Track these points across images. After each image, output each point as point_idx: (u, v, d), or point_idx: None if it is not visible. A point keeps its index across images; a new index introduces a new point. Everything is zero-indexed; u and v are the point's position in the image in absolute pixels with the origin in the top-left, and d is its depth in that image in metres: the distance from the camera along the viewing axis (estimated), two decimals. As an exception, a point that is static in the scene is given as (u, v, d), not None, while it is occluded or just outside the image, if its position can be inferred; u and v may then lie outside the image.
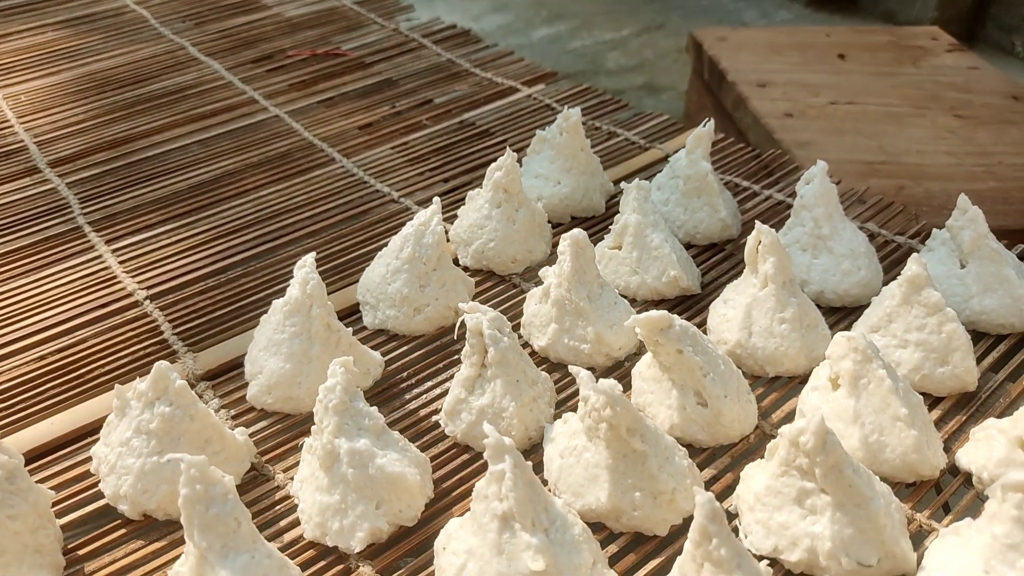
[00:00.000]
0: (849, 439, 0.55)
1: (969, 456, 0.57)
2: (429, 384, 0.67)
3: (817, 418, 0.47)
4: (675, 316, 0.57)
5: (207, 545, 0.46)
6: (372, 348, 0.70)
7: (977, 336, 0.69)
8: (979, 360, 0.66)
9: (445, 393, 0.65)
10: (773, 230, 0.64)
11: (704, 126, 0.79)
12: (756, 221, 0.65)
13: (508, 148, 0.77)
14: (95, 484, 0.59)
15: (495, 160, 0.78)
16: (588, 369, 0.67)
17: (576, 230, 0.66)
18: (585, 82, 1.14)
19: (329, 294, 0.76)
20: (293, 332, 0.63)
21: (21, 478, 0.52)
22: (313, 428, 0.54)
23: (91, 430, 0.64)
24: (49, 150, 1.02)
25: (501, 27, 2.47)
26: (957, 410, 0.63)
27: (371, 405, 0.56)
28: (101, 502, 0.58)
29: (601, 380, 0.52)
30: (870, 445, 0.55)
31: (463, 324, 0.60)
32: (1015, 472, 0.45)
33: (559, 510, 0.50)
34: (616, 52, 2.28)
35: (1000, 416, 0.61)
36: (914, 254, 0.62)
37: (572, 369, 0.54)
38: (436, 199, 0.72)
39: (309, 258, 0.64)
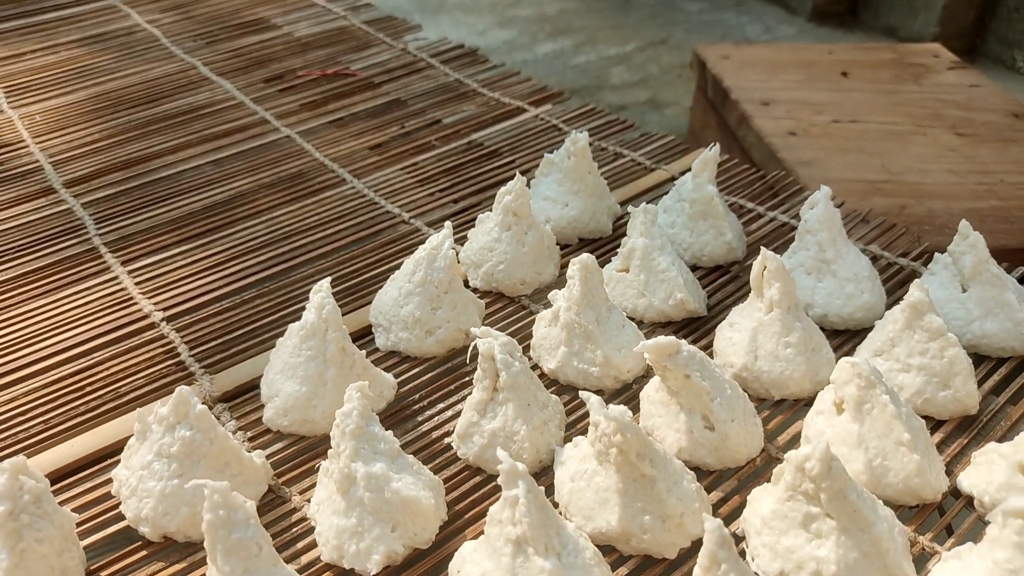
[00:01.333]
0: (853, 463, 0.57)
1: (970, 480, 0.58)
2: (441, 406, 0.69)
3: (822, 445, 0.48)
4: (683, 342, 0.59)
5: (230, 569, 0.47)
6: (385, 370, 0.71)
7: (978, 359, 0.70)
8: (980, 383, 0.67)
9: (457, 415, 0.66)
10: (779, 256, 0.65)
11: (710, 150, 0.81)
12: (762, 247, 0.66)
13: (518, 173, 0.79)
14: (116, 506, 0.60)
15: (504, 181, 0.79)
16: (597, 391, 0.68)
17: (585, 255, 0.67)
18: (589, 97, 1.17)
19: (344, 315, 0.78)
20: (309, 356, 0.64)
21: (47, 502, 0.53)
22: (330, 452, 0.56)
23: (110, 452, 0.65)
24: (64, 170, 1.04)
25: (506, 42, 2.49)
26: (959, 433, 0.64)
27: (385, 427, 0.58)
28: (122, 524, 0.59)
29: (611, 406, 0.53)
30: (874, 469, 0.56)
31: (475, 348, 0.61)
32: (1016, 499, 0.47)
33: (571, 534, 0.51)
34: (620, 67, 2.30)
35: (1001, 439, 0.62)
36: (916, 280, 0.64)
37: (583, 395, 0.55)
38: (448, 223, 0.74)
39: (325, 283, 0.66)
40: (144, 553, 0.58)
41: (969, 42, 2.42)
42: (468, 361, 0.71)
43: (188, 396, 0.57)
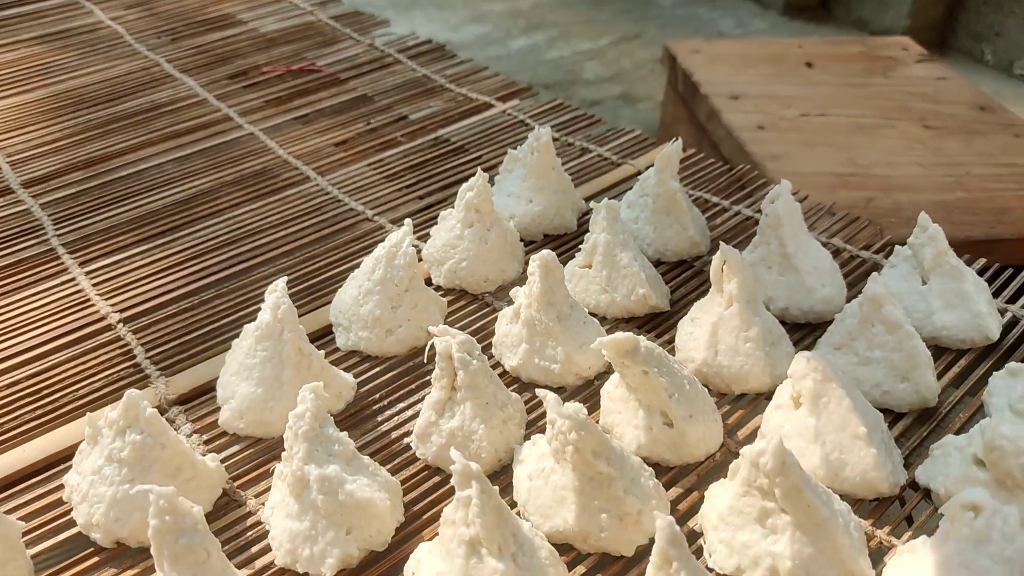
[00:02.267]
0: (810, 457, 0.56)
1: (928, 473, 0.58)
2: (401, 406, 0.68)
3: (775, 440, 0.48)
4: (641, 338, 0.58)
5: (177, 575, 0.47)
6: (345, 370, 0.70)
7: (939, 351, 0.70)
8: (940, 376, 0.68)
9: (417, 415, 0.65)
10: (737, 250, 0.65)
11: (673, 144, 0.81)
12: (721, 242, 0.66)
13: (479, 169, 0.78)
14: (67, 512, 0.59)
15: (469, 177, 0.79)
16: (558, 388, 0.68)
17: (545, 251, 0.67)
18: (562, 92, 1.16)
19: (303, 314, 0.77)
20: (264, 357, 0.63)
21: (-9, 510, 0.52)
22: (283, 454, 0.55)
23: (64, 457, 0.64)
24: (22, 170, 1.02)
25: (479, 37, 2.48)
26: (918, 425, 0.64)
27: (343, 427, 0.57)
28: (73, 530, 0.58)
29: (567, 404, 0.53)
30: (831, 463, 0.56)
31: (433, 347, 0.61)
32: (968, 491, 0.47)
33: (526, 534, 0.51)
34: (593, 62, 2.30)
35: (959, 431, 0.62)
36: (874, 274, 0.64)
37: (539, 392, 0.55)
38: (408, 220, 0.73)
39: (280, 283, 0.65)
40: (96, 560, 0.57)
41: (939, 35, 2.44)
42: (426, 360, 0.70)
43: (138, 400, 0.56)
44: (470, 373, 0.59)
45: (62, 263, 0.87)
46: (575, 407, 0.52)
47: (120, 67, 1.27)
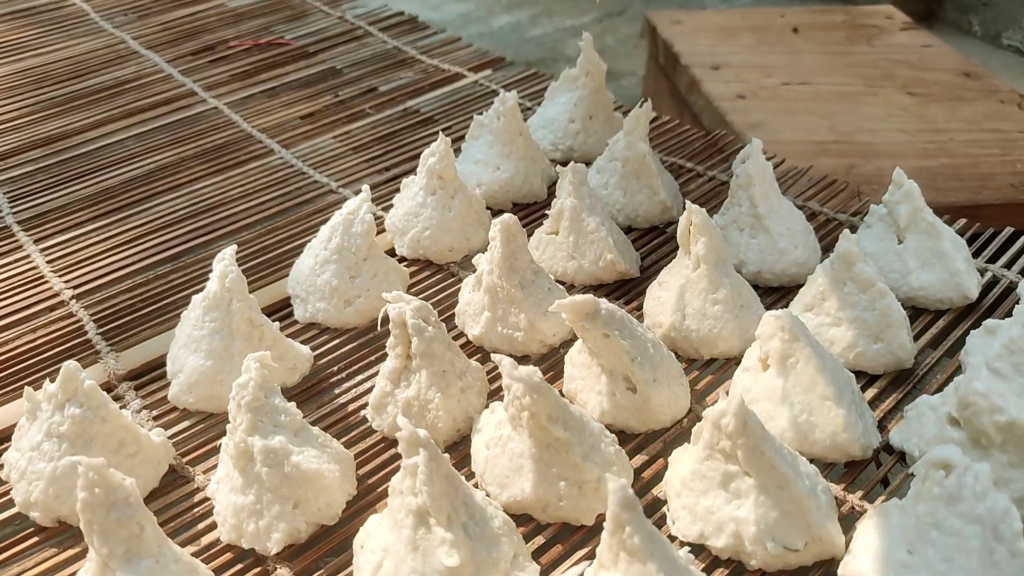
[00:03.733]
0: (779, 420, 0.54)
1: (902, 434, 0.56)
2: (360, 378, 0.66)
3: (737, 399, 0.46)
4: (602, 300, 0.56)
5: (108, 551, 0.44)
6: (303, 343, 0.68)
7: (916, 312, 0.68)
8: (917, 336, 0.65)
9: (374, 387, 0.63)
10: (703, 210, 0.62)
11: (641, 106, 0.78)
12: (687, 201, 0.63)
13: (441, 134, 0.75)
14: (7, 492, 0.57)
15: (431, 145, 0.76)
16: (522, 357, 0.66)
17: (506, 215, 0.64)
18: (545, 70, 1.13)
19: (262, 288, 0.74)
20: (213, 328, 0.61)
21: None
22: (228, 426, 0.53)
23: (6, 436, 0.62)
24: (-22, 149, 0.99)
25: (461, 15, 2.44)
26: (894, 388, 0.62)
27: (300, 401, 0.55)
28: (12, 511, 0.56)
29: (521, 367, 0.50)
30: (799, 425, 0.54)
31: (387, 315, 0.58)
32: (938, 449, 0.44)
33: (479, 503, 0.48)
34: (576, 39, 2.26)
35: (935, 393, 0.60)
36: (845, 231, 0.61)
37: (495, 357, 0.52)
38: (365, 187, 0.70)
39: (228, 251, 0.62)
40: (36, 540, 0.54)
41: (926, 6, 2.41)
42: (379, 328, 0.68)
43: (76, 372, 0.54)
44: (425, 340, 0.57)
45: (16, 240, 0.84)
46: (529, 370, 0.50)
47: (85, 44, 1.23)
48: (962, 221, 0.77)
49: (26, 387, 0.56)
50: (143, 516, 0.45)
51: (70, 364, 0.54)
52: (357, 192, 0.87)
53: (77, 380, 0.54)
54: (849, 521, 0.52)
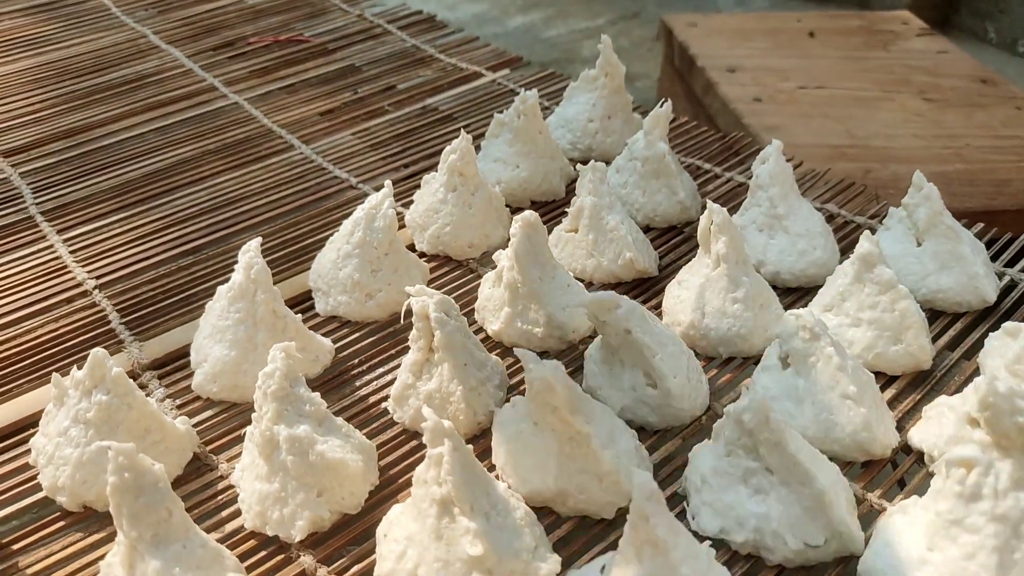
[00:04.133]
0: (799, 418, 0.55)
1: (921, 434, 0.56)
2: (381, 371, 0.66)
3: (759, 395, 0.46)
4: (623, 297, 0.56)
5: (137, 535, 0.45)
6: (325, 335, 0.68)
7: (934, 315, 0.68)
8: (935, 339, 0.66)
9: (395, 380, 0.63)
10: (724, 209, 0.63)
11: (661, 106, 0.78)
12: (707, 201, 0.64)
13: (463, 131, 0.76)
14: (34, 476, 0.57)
15: (453, 142, 0.77)
16: (542, 353, 0.66)
17: (527, 212, 0.65)
18: (560, 71, 1.13)
19: (283, 281, 0.75)
20: (238, 318, 0.62)
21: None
22: (253, 415, 0.53)
23: (33, 422, 0.62)
24: (2, 139, 1.00)
25: (476, 16, 2.45)
26: (912, 389, 0.62)
27: (321, 393, 0.55)
28: (39, 495, 0.57)
29: (544, 362, 0.51)
30: (820, 424, 0.54)
31: (410, 308, 0.59)
32: (959, 448, 0.45)
33: (501, 494, 0.49)
34: (591, 41, 2.27)
35: (954, 394, 0.60)
36: (866, 232, 0.62)
37: (517, 351, 0.53)
38: (388, 183, 0.71)
39: (254, 243, 0.63)
40: (62, 524, 0.55)
41: (941, 13, 2.40)
42: (403, 321, 0.68)
43: (104, 359, 0.54)
44: (447, 333, 0.57)
45: (40, 231, 0.85)
46: (552, 364, 0.50)
47: (106, 38, 1.24)
48: (980, 225, 0.77)
49: (54, 373, 0.57)
50: (171, 501, 0.46)
51: (98, 351, 0.55)
52: (377, 188, 0.89)
53: (105, 367, 0.54)
54: (868, 519, 0.52)
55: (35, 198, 0.90)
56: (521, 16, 2.44)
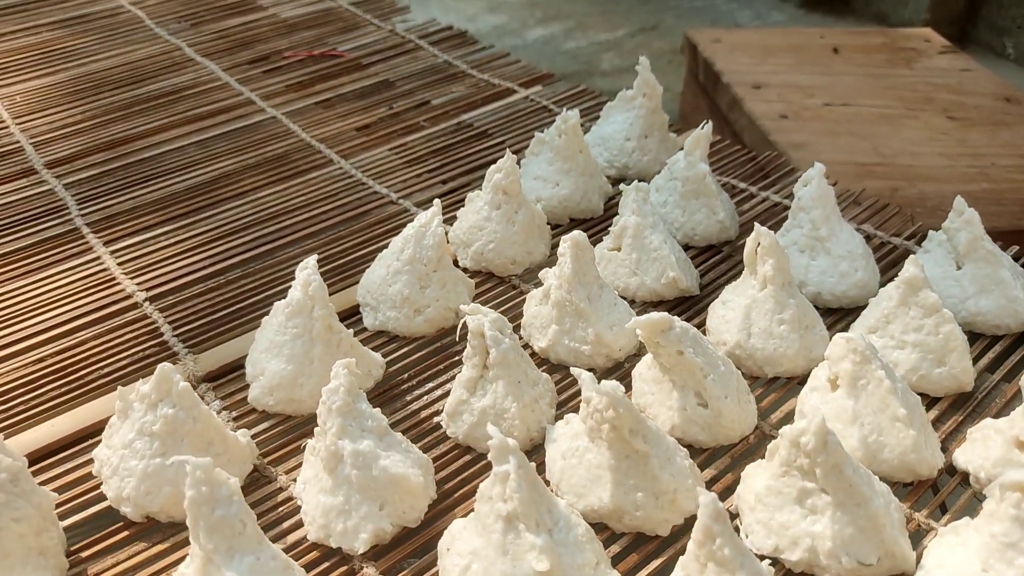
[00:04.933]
0: (848, 439, 0.56)
1: (966, 456, 0.57)
2: (430, 385, 0.68)
3: (818, 419, 0.48)
4: (675, 318, 0.58)
5: (213, 547, 0.46)
6: (373, 349, 0.70)
7: (973, 337, 0.69)
8: (975, 361, 0.67)
9: (446, 394, 0.65)
10: (772, 232, 0.64)
11: (703, 128, 0.80)
12: (755, 223, 0.65)
13: (508, 151, 0.77)
14: (97, 487, 0.59)
15: (493, 161, 0.78)
16: (588, 370, 0.67)
17: (576, 232, 0.66)
18: (580, 83, 1.15)
19: (329, 295, 0.76)
20: (295, 334, 0.63)
21: (25, 480, 0.52)
22: (316, 430, 0.55)
23: (91, 432, 0.64)
24: (46, 151, 1.02)
25: (496, 28, 2.47)
26: (954, 410, 0.63)
27: (373, 407, 0.57)
28: (104, 504, 0.58)
29: (603, 382, 0.52)
30: (869, 445, 0.55)
31: (465, 326, 0.60)
32: (1013, 472, 0.46)
33: (562, 511, 0.50)
34: (610, 53, 2.29)
35: (996, 416, 0.62)
36: (911, 256, 0.63)
37: (574, 371, 0.54)
38: (436, 201, 0.72)
39: (311, 260, 0.65)
40: (126, 534, 0.57)
41: (959, 29, 2.42)
42: (457, 339, 0.70)
43: (171, 373, 0.56)
44: (502, 351, 0.59)
45: (86, 242, 0.86)
46: (612, 384, 0.52)
47: (141, 51, 1.26)
48: (1015, 248, 0.78)
49: (119, 387, 0.58)
50: (245, 514, 0.47)
51: (164, 366, 0.56)
52: (418, 204, 0.90)
53: (171, 381, 0.56)
54: (915, 538, 0.53)
55: (80, 209, 0.92)
56: (541, 28, 2.46)
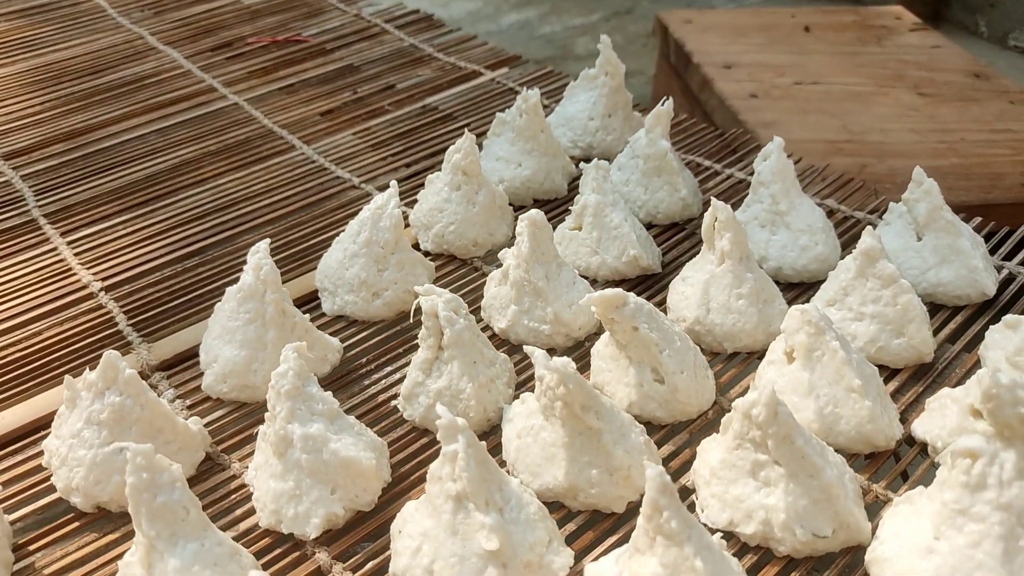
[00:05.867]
0: (804, 411, 0.55)
1: (924, 426, 0.57)
2: (388, 369, 0.67)
3: (768, 390, 0.47)
4: (630, 294, 0.57)
5: (155, 534, 0.45)
6: (332, 335, 0.69)
7: (935, 308, 0.69)
8: (936, 331, 0.67)
9: (404, 378, 0.64)
10: (728, 206, 0.63)
11: (663, 105, 0.79)
12: (712, 198, 0.65)
13: (466, 131, 0.77)
14: (48, 478, 0.58)
15: (457, 142, 0.77)
16: (549, 350, 0.67)
17: (533, 211, 0.65)
18: (554, 67, 1.14)
19: (289, 281, 0.75)
20: (247, 319, 0.62)
21: (-34, 472, 0.51)
22: (267, 414, 0.54)
23: (43, 424, 0.63)
24: (3, 142, 1.00)
25: (470, 13, 2.45)
26: (914, 381, 0.63)
27: (330, 391, 0.56)
28: (53, 496, 0.57)
29: (555, 358, 0.52)
30: (825, 417, 0.55)
31: (419, 307, 0.59)
32: (964, 438, 0.46)
33: (514, 489, 0.49)
34: (585, 37, 2.28)
35: (955, 386, 0.61)
36: (868, 227, 0.62)
37: (527, 349, 0.54)
38: (393, 182, 0.71)
39: (263, 244, 0.64)
40: (76, 525, 0.56)
41: (933, 8, 2.42)
42: (412, 320, 0.69)
43: (116, 361, 0.55)
44: (456, 331, 0.58)
45: (43, 233, 0.85)
46: (563, 361, 0.51)
47: (103, 40, 1.24)
48: (978, 219, 0.78)
49: (66, 376, 0.57)
50: (188, 500, 0.46)
51: (110, 353, 0.55)
52: (380, 188, 0.89)
53: (117, 369, 0.55)
54: (873, 509, 0.53)
55: (37, 201, 0.90)
56: (515, 13, 2.44)
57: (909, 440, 0.59)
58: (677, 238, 0.80)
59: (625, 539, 0.51)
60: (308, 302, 0.74)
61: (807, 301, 0.69)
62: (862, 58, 1.46)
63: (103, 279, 0.78)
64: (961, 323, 0.68)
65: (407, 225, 0.81)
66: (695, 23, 1.57)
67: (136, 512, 0.45)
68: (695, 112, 1.43)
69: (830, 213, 0.81)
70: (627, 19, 2.41)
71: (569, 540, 0.52)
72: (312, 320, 0.69)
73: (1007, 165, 1.16)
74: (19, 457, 0.61)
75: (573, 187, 0.88)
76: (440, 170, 0.79)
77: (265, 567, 0.51)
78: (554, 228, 0.76)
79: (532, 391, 0.60)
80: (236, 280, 0.75)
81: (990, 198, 1.11)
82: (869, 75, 1.40)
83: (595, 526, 0.53)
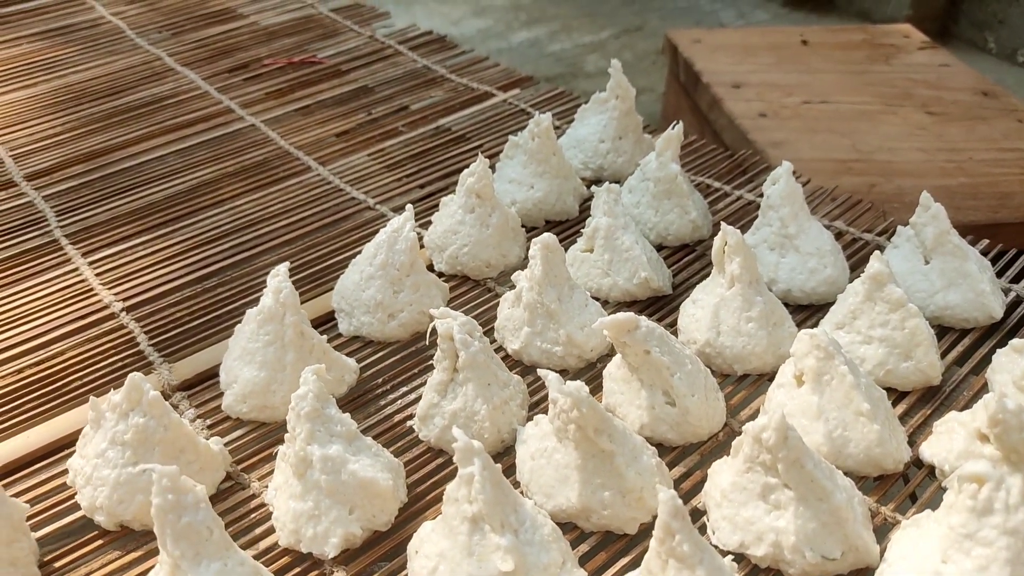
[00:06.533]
0: (813, 435, 0.56)
1: (932, 449, 0.58)
2: (404, 390, 0.68)
3: (778, 414, 0.48)
4: (642, 317, 0.58)
5: (180, 554, 0.47)
6: (348, 355, 0.70)
7: (942, 331, 0.70)
8: (944, 355, 0.67)
9: (419, 398, 0.65)
10: (738, 230, 0.65)
11: (673, 128, 0.80)
12: (722, 222, 0.66)
13: (480, 154, 0.78)
14: (72, 496, 0.59)
15: (471, 165, 0.79)
16: (561, 371, 0.68)
17: (546, 234, 0.67)
18: (564, 85, 1.16)
19: (305, 302, 0.77)
20: (267, 340, 0.63)
21: (-5, 492, 0.52)
22: (286, 436, 0.55)
23: (67, 443, 0.64)
24: (25, 163, 1.02)
25: (481, 31, 2.48)
26: (922, 404, 0.64)
27: (346, 412, 0.57)
28: (78, 514, 0.58)
29: (569, 382, 0.53)
30: (834, 440, 0.56)
31: (434, 330, 0.61)
32: (971, 463, 0.46)
33: (528, 511, 0.51)
34: (595, 55, 2.30)
35: (963, 410, 0.62)
36: (876, 252, 0.63)
37: (541, 372, 0.55)
38: (409, 206, 0.73)
39: (282, 267, 0.65)
40: (100, 543, 0.57)
41: (941, 24, 2.43)
42: (428, 343, 0.70)
43: (140, 383, 0.56)
44: (471, 354, 0.59)
45: (65, 254, 0.87)
46: (577, 385, 0.52)
47: (121, 61, 1.27)
48: (985, 242, 0.79)
49: (91, 397, 0.58)
50: (212, 521, 0.48)
51: (135, 375, 0.56)
52: (395, 209, 0.91)
53: (141, 390, 0.56)
54: (882, 532, 0.54)
55: (59, 221, 0.92)
56: (525, 31, 2.47)
57: (917, 463, 0.59)
58: (688, 259, 0.81)
59: (637, 560, 0.52)
60: (325, 322, 0.75)
61: (816, 324, 0.70)
62: (870, 77, 1.47)
63: (124, 299, 0.79)
64: (969, 346, 0.69)
65: (422, 246, 0.82)
66: (704, 42, 1.59)
67: (161, 532, 0.46)
68: (704, 131, 1.45)
69: (839, 235, 0.82)
70: (636, 36, 2.43)
71: (582, 561, 0.53)
72: (329, 340, 0.70)
73: (1016, 184, 1.17)
74: (44, 475, 0.62)
75: (584, 208, 0.89)
76: (454, 192, 0.81)
77: (285, 586, 0.53)
78: (566, 249, 0.78)
79: (545, 413, 0.62)
80: (255, 301, 0.76)
81: (998, 217, 1.11)
82: (877, 94, 1.41)
83: (608, 547, 0.54)
